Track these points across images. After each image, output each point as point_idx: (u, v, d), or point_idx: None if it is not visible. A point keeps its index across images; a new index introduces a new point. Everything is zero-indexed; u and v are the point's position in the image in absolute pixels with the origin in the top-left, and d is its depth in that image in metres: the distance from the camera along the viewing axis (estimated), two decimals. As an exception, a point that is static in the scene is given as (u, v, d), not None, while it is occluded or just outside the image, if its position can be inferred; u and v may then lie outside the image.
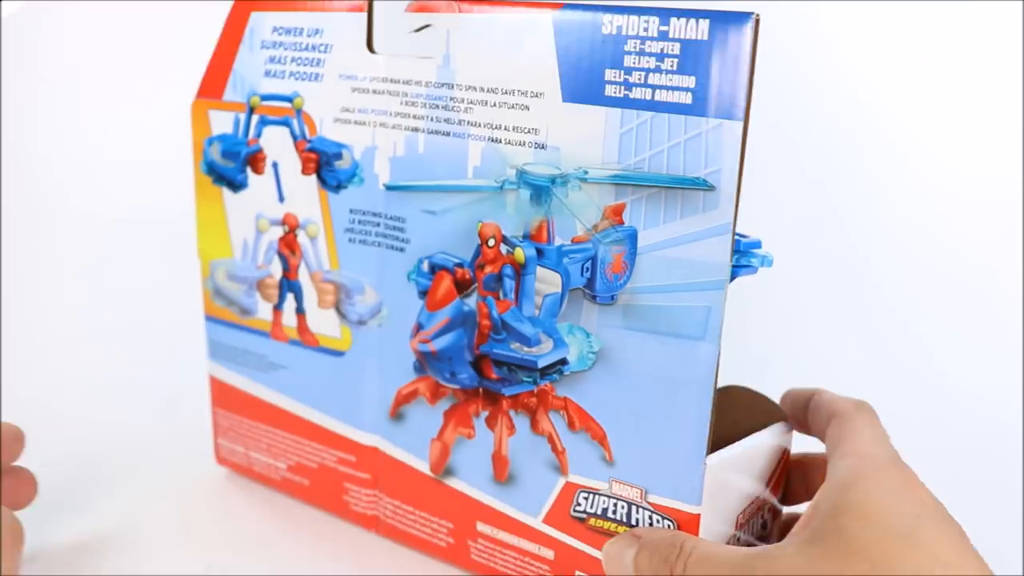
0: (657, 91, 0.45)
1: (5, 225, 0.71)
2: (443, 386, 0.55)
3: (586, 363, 0.50)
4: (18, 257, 0.70)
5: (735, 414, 0.52)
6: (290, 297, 0.60)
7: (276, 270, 0.60)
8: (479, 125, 0.51)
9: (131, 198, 0.76)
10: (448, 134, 0.52)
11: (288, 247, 0.59)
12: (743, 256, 0.47)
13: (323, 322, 0.59)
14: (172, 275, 0.74)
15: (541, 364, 0.50)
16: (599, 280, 0.48)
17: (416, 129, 0.53)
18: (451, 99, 0.51)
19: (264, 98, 0.58)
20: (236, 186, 0.61)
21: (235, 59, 0.59)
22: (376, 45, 0.54)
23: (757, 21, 0.42)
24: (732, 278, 0.46)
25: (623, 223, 0.47)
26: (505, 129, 0.50)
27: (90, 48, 0.72)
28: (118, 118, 0.76)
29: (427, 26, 0.52)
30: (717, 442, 0.48)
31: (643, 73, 0.45)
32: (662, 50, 0.45)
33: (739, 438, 0.50)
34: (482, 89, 0.50)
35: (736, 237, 0.45)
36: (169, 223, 0.73)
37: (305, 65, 0.56)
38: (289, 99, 0.57)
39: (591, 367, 0.49)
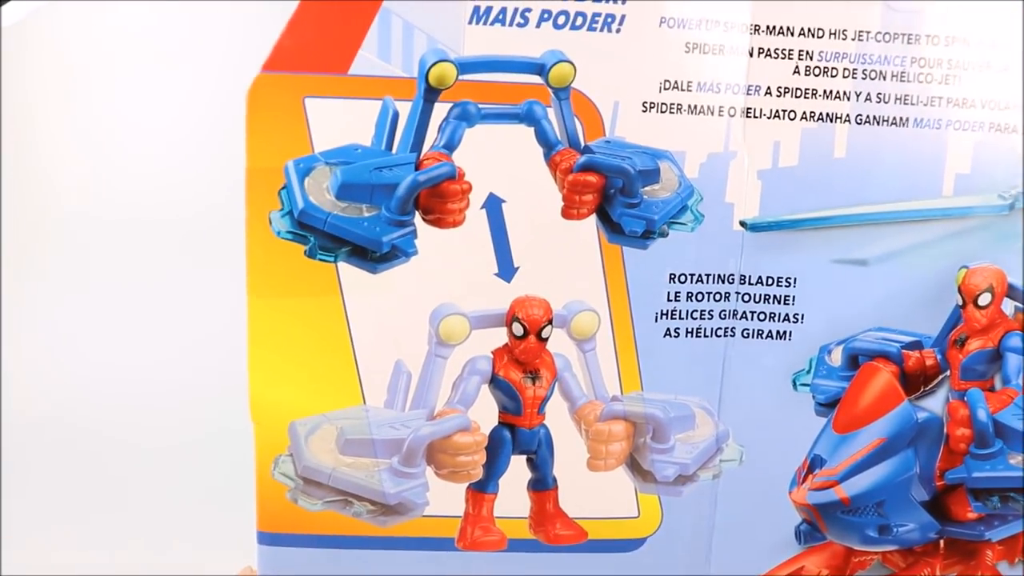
0: None
1: (7, 230, 0.66)
2: (861, 553, 0.32)
3: None
4: (22, 262, 0.65)
5: None
6: (517, 463, 0.30)
7: (479, 415, 0.30)
8: (972, 104, 0.30)
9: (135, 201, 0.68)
10: (903, 122, 0.30)
11: (522, 365, 0.30)
12: None
13: (597, 496, 0.31)
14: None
15: (1070, 482, 0.32)
16: None
17: (830, 116, 0.30)
18: (912, 60, 0.30)
19: (468, 67, 0.28)
20: (380, 257, 0.29)
21: (393, -15, 0.28)
22: (734, -34, 0.29)
23: None
24: None
25: None
26: (1025, 109, 0.30)
27: (93, 50, 0.63)
28: (124, 120, 0.66)
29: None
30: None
31: None
32: None
33: None
34: (980, 42, 0.30)
35: None
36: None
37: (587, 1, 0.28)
38: (539, 67, 0.28)
39: None
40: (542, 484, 0.31)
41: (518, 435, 0.31)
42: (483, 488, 0.31)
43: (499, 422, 0.31)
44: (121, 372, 0.68)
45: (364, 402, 0.30)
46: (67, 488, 0.57)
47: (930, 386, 0.32)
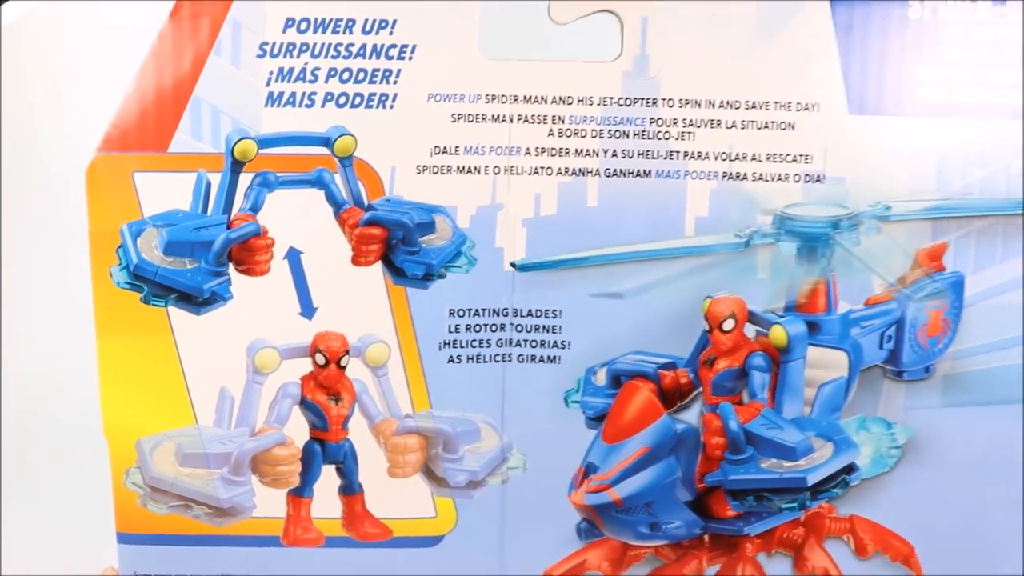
0: (996, 91, 0.35)
1: (7, 230, 0.64)
2: (636, 547, 0.37)
3: (885, 464, 0.37)
4: (21, 262, 0.63)
5: None
6: (328, 471, 0.36)
7: (293, 431, 0.36)
8: (706, 157, 0.35)
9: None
10: (647, 174, 0.35)
11: (326, 389, 0.35)
12: None
13: (398, 499, 0.36)
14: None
15: (813, 479, 0.36)
16: (908, 350, 0.36)
17: (582, 171, 0.35)
18: (652, 121, 0.35)
19: (266, 142, 0.34)
20: (202, 302, 0.35)
21: (197, 79, 0.33)
22: (492, 46, 0.34)
23: None
24: None
25: (944, 269, 0.36)
26: (753, 160, 0.35)
27: (93, 50, 0.61)
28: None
29: (599, 12, 0.34)
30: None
31: (972, 70, 0.34)
32: (998, 39, 0.34)
33: None
34: (710, 104, 0.34)
35: None
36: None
37: (360, 81, 0.34)
38: (326, 140, 0.34)
39: (893, 467, 0.37)
40: (350, 489, 0.36)
41: (327, 448, 0.36)
42: (300, 493, 0.36)
43: (310, 437, 0.36)
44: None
45: (197, 422, 0.36)
46: (68, 488, 0.56)
47: (685, 401, 0.37)
